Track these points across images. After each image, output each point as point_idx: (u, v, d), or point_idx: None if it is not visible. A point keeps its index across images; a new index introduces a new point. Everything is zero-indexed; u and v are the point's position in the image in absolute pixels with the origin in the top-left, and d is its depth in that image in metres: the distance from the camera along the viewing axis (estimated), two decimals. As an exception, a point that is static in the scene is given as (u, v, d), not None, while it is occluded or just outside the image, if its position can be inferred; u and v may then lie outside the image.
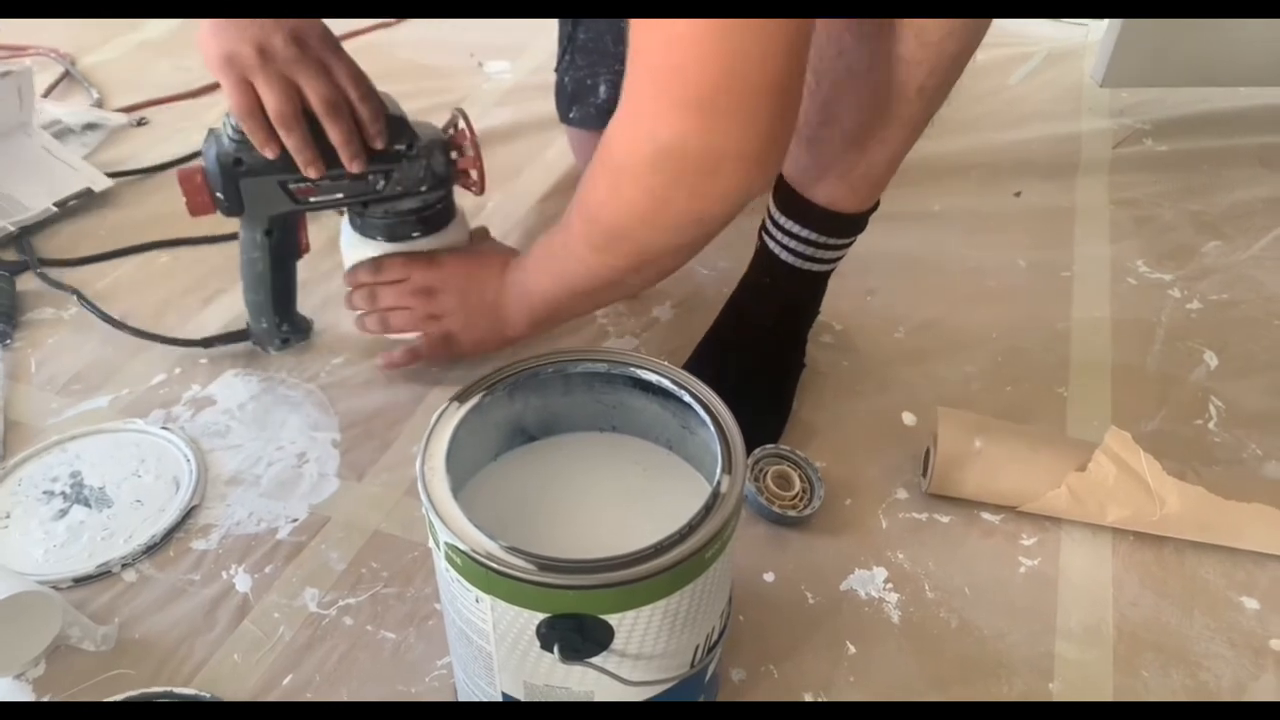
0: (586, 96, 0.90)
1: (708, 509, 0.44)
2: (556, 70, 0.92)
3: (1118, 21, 1.10)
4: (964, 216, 0.98)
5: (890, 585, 0.63)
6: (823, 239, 0.68)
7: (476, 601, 0.43)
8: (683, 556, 0.42)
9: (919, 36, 0.57)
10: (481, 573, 0.42)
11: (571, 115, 0.93)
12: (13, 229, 0.92)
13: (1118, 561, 0.64)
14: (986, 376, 0.79)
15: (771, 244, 0.70)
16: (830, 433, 0.74)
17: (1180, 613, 0.61)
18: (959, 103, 1.18)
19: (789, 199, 0.68)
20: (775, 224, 0.69)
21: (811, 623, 0.60)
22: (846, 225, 0.68)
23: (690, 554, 0.42)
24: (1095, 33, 1.31)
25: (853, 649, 0.59)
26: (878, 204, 0.70)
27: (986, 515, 0.67)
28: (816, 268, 0.70)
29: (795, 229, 0.68)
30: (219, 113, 1.16)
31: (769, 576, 0.63)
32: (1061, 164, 1.06)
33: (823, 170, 0.65)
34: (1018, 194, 1.02)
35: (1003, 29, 1.37)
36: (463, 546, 0.41)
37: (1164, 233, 0.96)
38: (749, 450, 0.66)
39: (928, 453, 0.69)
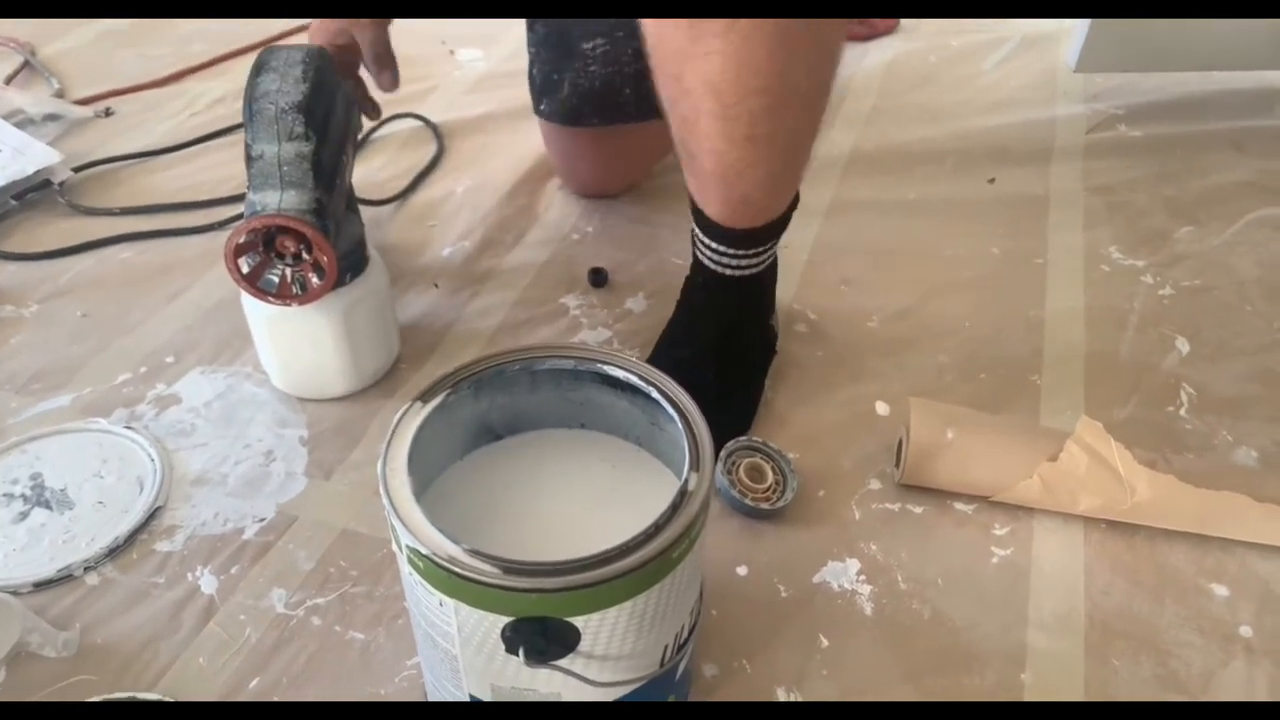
0: (554, 91, 0.89)
1: (674, 508, 0.43)
2: (529, 64, 0.92)
3: (1091, 6, 1.10)
4: (938, 204, 0.98)
5: (863, 577, 0.62)
6: (731, 250, 0.68)
7: (440, 605, 0.43)
8: (649, 557, 0.41)
9: (718, 98, 0.56)
10: (444, 577, 0.41)
11: (542, 108, 0.92)
12: (-29, 224, 0.90)
13: (1089, 550, 0.64)
14: (960, 366, 0.79)
15: (695, 251, 0.70)
16: (804, 424, 0.73)
17: (1151, 601, 0.61)
18: (933, 90, 1.18)
19: (694, 211, 0.68)
20: (694, 230, 0.69)
21: (784, 616, 0.60)
22: (747, 239, 0.67)
23: (657, 554, 0.41)
24: (1069, 19, 1.31)
25: (826, 642, 0.59)
26: (786, 217, 0.68)
27: (959, 505, 0.67)
28: (738, 273, 0.69)
29: (704, 239, 0.68)
30: (184, 102, 1.14)
31: (742, 570, 0.63)
32: (1035, 150, 1.06)
33: (703, 194, 0.65)
34: (992, 181, 1.01)
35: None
36: (424, 550, 0.41)
37: (1137, 219, 0.96)
38: (721, 443, 0.67)
39: (900, 443, 0.69)
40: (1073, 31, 1.22)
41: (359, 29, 0.76)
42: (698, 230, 0.68)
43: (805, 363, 0.79)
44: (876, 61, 1.25)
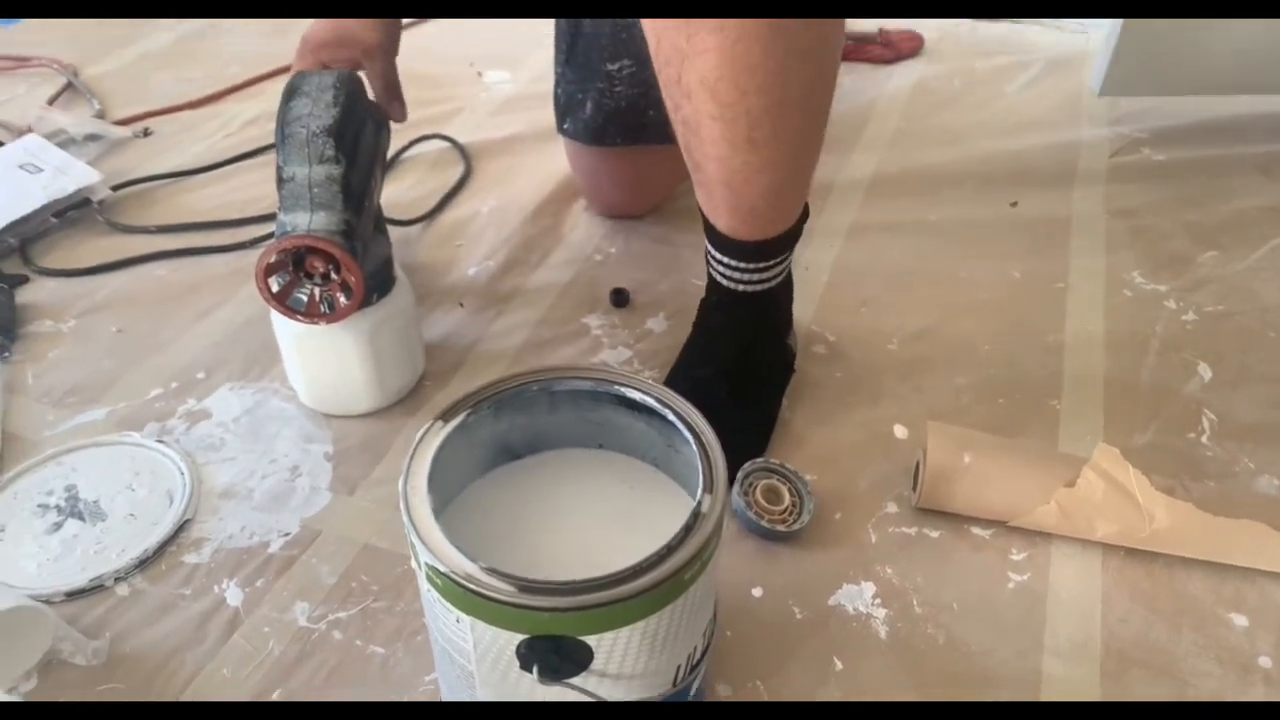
0: (577, 110, 0.90)
1: (687, 529, 0.44)
2: (554, 84, 0.93)
3: (1116, 30, 1.10)
4: (959, 227, 0.98)
5: (878, 600, 0.63)
6: (743, 264, 0.68)
7: (457, 621, 0.44)
8: (661, 578, 0.42)
9: (715, 98, 0.57)
10: (461, 594, 0.42)
11: (565, 126, 0.93)
12: (14, 242, 0.92)
13: (1107, 577, 0.64)
14: (979, 389, 0.79)
15: (709, 268, 0.71)
16: (821, 445, 0.74)
17: (1169, 629, 0.61)
18: (956, 112, 1.19)
19: (706, 226, 0.69)
20: (707, 246, 0.70)
21: (799, 638, 0.61)
22: (757, 252, 0.68)
23: (669, 575, 0.42)
24: (1094, 41, 1.31)
25: (840, 665, 0.59)
26: (799, 226, 0.69)
27: (976, 530, 0.67)
28: (753, 289, 0.70)
29: (716, 254, 0.69)
30: (219, 123, 1.17)
31: (757, 592, 0.63)
32: (1058, 174, 1.06)
33: (711, 205, 0.66)
34: (1014, 204, 1.02)
35: (1001, 39, 1.38)
36: (442, 568, 0.42)
37: (1160, 243, 0.95)
38: (738, 464, 0.68)
39: (918, 466, 0.69)
40: (1097, 55, 1.22)
41: (368, 60, 0.77)
42: (710, 246, 0.69)
43: (823, 384, 0.79)
44: (900, 85, 1.25)
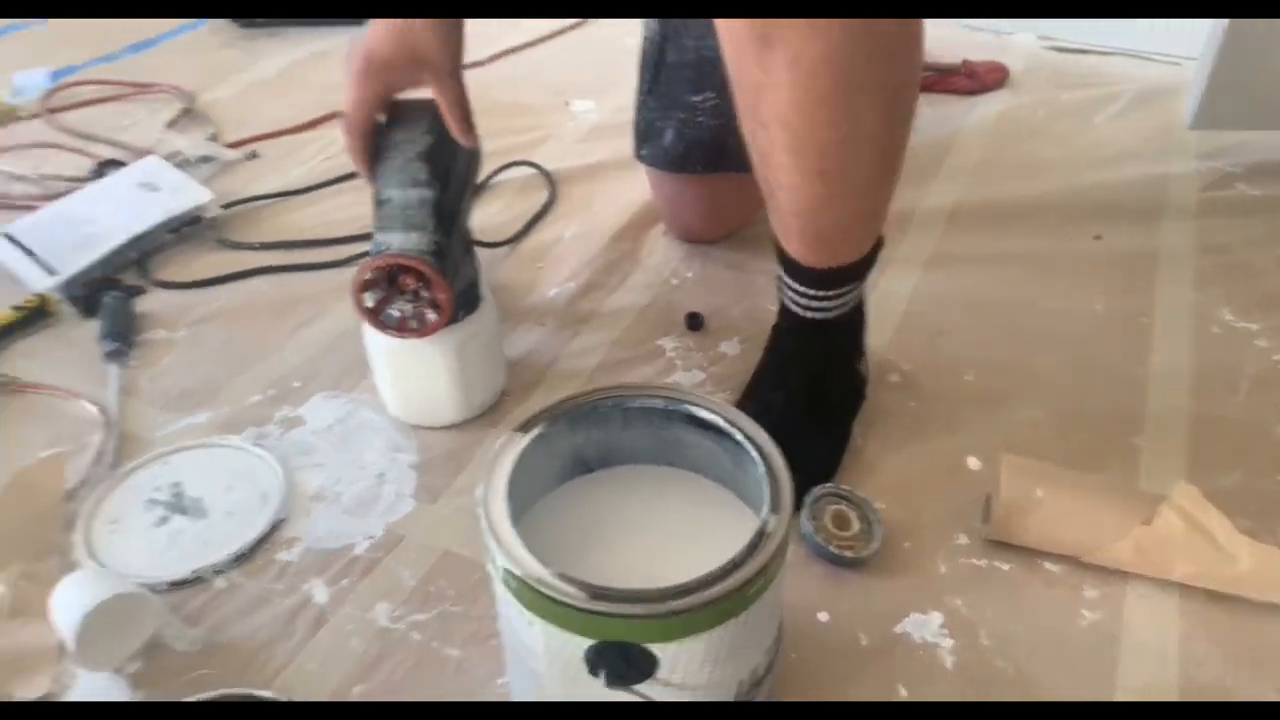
0: (656, 138, 0.93)
1: (752, 547, 0.45)
2: (634, 110, 0.96)
3: (1210, 62, 1.08)
4: (1040, 258, 0.98)
5: (946, 630, 0.63)
6: (813, 291, 0.69)
7: (529, 625, 0.46)
8: (725, 592, 0.43)
9: (788, 130, 0.58)
10: (534, 597, 0.44)
11: (642, 153, 0.96)
12: (134, 256, 0.99)
13: (1185, 619, 0.63)
14: (1056, 422, 0.78)
15: (779, 292, 0.73)
16: (893, 474, 0.74)
17: (1249, 677, 0.59)
18: (1040, 144, 1.17)
19: (777, 250, 0.70)
20: (779, 272, 0.71)
21: (863, 664, 0.61)
22: (828, 280, 0.68)
23: (733, 590, 0.44)
24: (1186, 73, 1.28)
25: (904, 692, 0.59)
26: (868, 259, 0.70)
27: (1049, 565, 0.66)
28: (824, 315, 0.71)
29: (787, 279, 0.70)
30: (319, 146, 1.23)
31: (823, 616, 0.64)
32: (1146, 207, 1.04)
33: (783, 231, 0.67)
34: (1098, 237, 1.00)
35: (1089, 70, 1.36)
36: (517, 571, 0.44)
37: (1253, 280, 0.93)
38: (807, 488, 0.68)
39: (990, 498, 0.69)
40: (1190, 87, 1.19)
41: (437, 81, 0.73)
42: (782, 272, 0.71)
43: (897, 412, 0.79)
44: (983, 116, 1.25)
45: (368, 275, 0.69)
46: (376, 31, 0.70)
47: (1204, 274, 0.94)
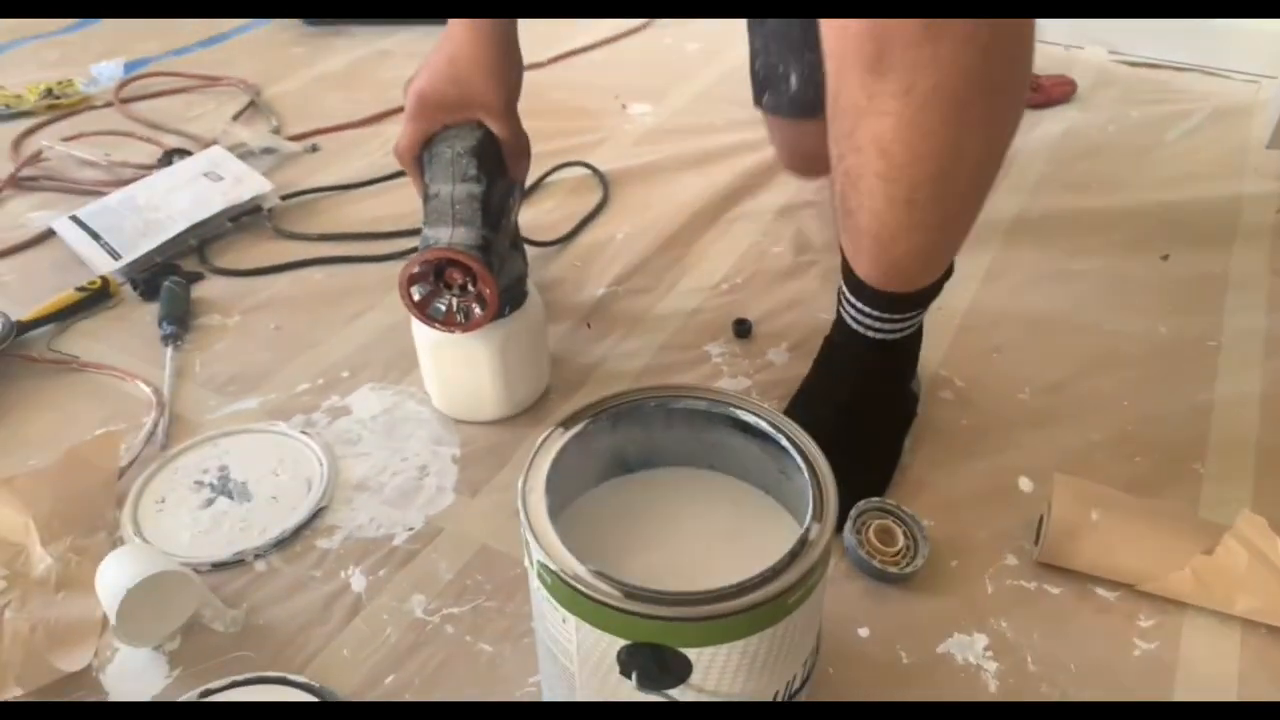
0: (778, 85, 0.91)
1: (793, 555, 0.44)
2: (750, 57, 0.94)
3: (1291, 81, 1.04)
4: (1104, 277, 0.95)
5: (990, 653, 0.61)
6: (877, 313, 0.68)
7: (563, 621, 0.45)
8: (764, 599, 0.42)
9: (885, 158, 0.57)
10: (569, 594, 0.43)
11: (765, 101, 0.94)
12: (194, 243, 1.01)
13: (1246, 655, 0.60)
14: (1114, 446, 0.75)
15: (840, 309, 0.71)
16: (942, 491, 0.72)
17: (1314, 718, 0.56)
18: (1107, 160, 1.14)
19: (845, 269, 0.68)
20: (842, 289, 0.70)
21: (903, 682, 0.59)
22: (894, 303, 0.67)
23: (772, 597, 0.43)
24: (1265, 92, 1.24)
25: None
26: (936, 287, 0.68)
27: (1101, 591, 0.64)
28: (884, 336, 0.69)
29: (851, 298, 0.69)
30: (379, 141, 1.25)
31: (863, 632, 0.62)
32: (1217, 228, 1.01)
33: (855, 253, 0.66)
34: (1165, 257, 0.97)
35: (1160, 85, 1.32)
36: (552, 566, 0.43)
37: (1330, 307, 0.89)
38: (853, 502, 0.67)
39: (1041, 520, 0.66)
40: (1269, 106, 1.15)
41: (491, 120, 0.72)
42: (845, 289, 0.69)
43: (948, 429, 0.77)
44: (1049, 130, 1.22)
45: (415, 269, 0.69)
46: (432, 70, 0.71)
47: (1277, 298, 0.90)
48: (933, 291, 0.68)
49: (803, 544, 0.45)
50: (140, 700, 0.58)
